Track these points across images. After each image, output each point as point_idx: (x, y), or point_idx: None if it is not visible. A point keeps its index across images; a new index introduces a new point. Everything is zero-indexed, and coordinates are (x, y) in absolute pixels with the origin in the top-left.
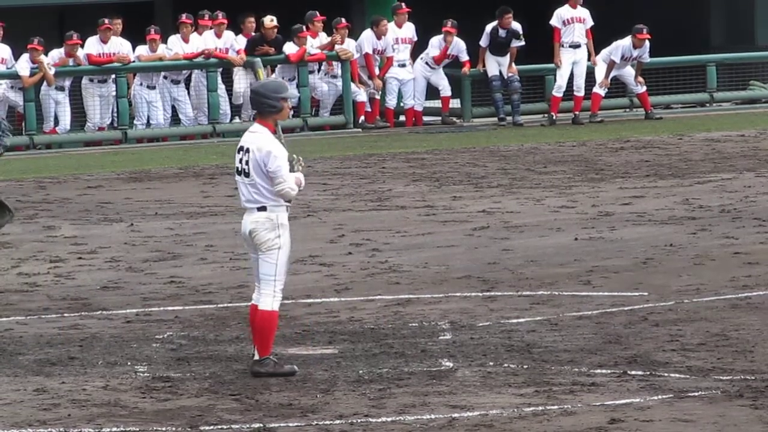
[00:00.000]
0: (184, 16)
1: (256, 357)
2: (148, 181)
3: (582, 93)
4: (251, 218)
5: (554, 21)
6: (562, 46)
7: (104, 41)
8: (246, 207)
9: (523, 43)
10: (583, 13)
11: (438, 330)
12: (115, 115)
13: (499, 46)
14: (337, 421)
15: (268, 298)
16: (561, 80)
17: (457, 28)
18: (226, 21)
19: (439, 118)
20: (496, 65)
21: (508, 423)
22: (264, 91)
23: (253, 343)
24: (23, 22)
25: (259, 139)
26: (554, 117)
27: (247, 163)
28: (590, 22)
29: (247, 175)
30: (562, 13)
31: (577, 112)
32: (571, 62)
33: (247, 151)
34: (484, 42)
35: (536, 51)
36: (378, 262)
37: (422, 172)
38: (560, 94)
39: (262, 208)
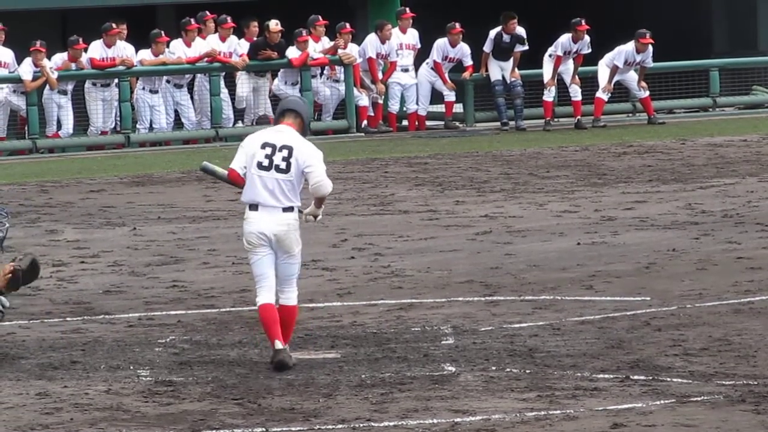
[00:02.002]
0: (193, 21)
1: (282, 346)
2: (151, 185)
3: (579, 97)
4: (278, 219)
5: (558, 50)
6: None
7: (111, 45)
8: (269, 205)
9: (526, 47)
10: (581, 45)
11: (440, 334)
12: (118, 119)
13: (502, 51)
14: (340, 426)
15: (293, 294)
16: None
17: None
18: (233, 25)
19: (442, 122)
20: (498, 70)
21: (510, 428)
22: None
23: (270, 336)
24: (25, 25)
25: (298, 139)
26: (550, 121)
27: (284, 159)
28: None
29: (283, 171)
30: (564, 43)
31: (579, 117)
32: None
33: (285, 148)
34: (487, 47)
35: (539, 56)
36: (380, 267)
37: (425, 176)
38: (550, 99)
39: (289, 209)
